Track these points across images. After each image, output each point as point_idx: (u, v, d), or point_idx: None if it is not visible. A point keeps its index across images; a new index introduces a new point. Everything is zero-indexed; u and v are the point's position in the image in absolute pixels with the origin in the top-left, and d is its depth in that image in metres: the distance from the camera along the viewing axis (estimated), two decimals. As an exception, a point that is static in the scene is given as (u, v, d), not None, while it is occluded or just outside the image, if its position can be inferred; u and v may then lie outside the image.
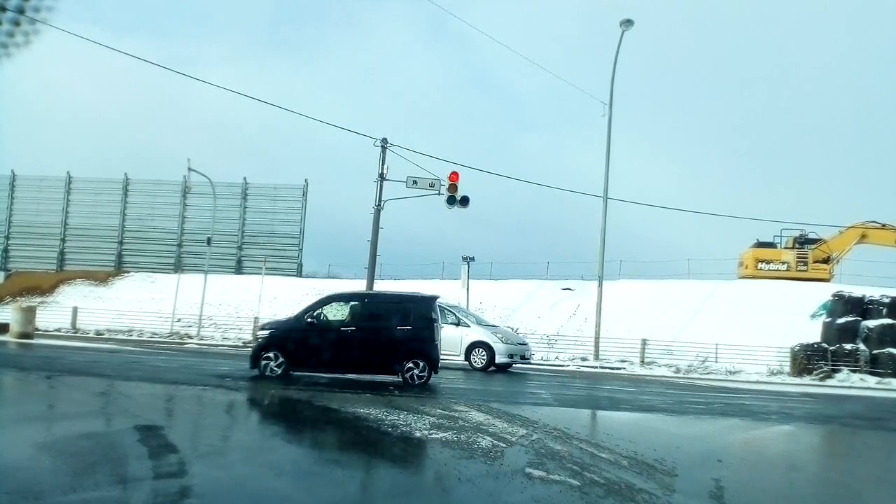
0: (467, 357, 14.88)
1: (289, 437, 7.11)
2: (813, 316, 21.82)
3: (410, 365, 10.72)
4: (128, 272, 31.43)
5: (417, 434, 6.56)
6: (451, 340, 14.49)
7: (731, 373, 17.93)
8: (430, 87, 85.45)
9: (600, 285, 21.02)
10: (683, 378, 17.31)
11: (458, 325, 14.90)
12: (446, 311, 14.93)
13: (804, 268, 27.97)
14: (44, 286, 29.56)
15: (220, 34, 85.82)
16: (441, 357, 13.79)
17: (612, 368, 18.82)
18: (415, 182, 21.46)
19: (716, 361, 18.93)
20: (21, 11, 2.43)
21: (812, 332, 19.63)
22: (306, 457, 5.89)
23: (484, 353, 14.73)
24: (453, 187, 20.83)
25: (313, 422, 7.85)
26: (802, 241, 28.69)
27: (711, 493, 4.90)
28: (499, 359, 14.74)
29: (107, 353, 15.90)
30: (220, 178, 26.58)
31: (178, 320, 22.69)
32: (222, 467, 5.10)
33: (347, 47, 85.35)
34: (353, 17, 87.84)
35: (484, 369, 14.62)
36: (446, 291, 26.34)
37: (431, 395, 10.15)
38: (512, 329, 16.53)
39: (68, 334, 21.99)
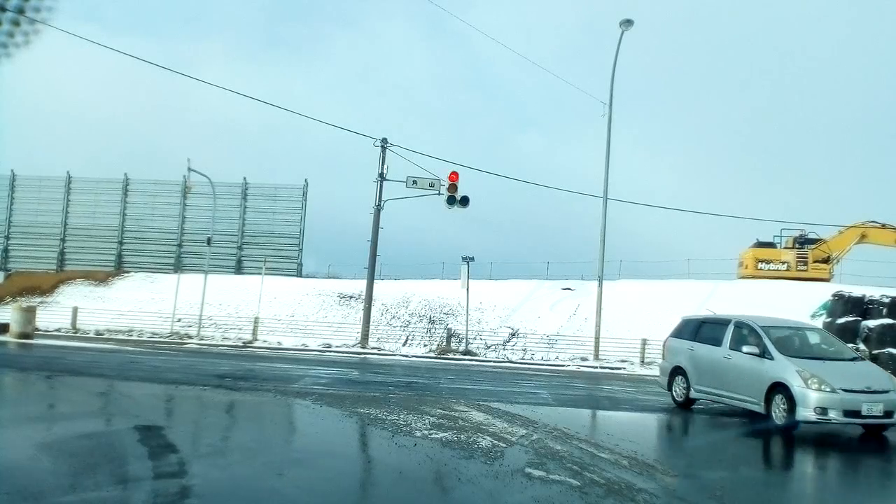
0: (767, 405, 9.05)
1: (288, 437, 7.11)
2: (813, 316, 21.81)
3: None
4: (128, 272, 31.42)
5: (418, 433, 6.56)
6: (749, 379, 9.47)
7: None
8: (429, 86, 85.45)
9: (600, 285, 21.02)
10: (683, 378, 17.29)
11: (761, 355, 9.37)
12: (746, 334, 9.97)
13: (804, 268, 27.95)
14: (44, 286, 29.54)
15: (218, 33, 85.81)
16: (726, 401, 9.93)
17: (612, 368, 18.82)
18: (415, 182, 21.48)
19: (716, 361, 18.91)
20: (21, 11, 2.42)
21: (812, 332, 19.59)
22: (306, 453, 5.88)
23: (784, 402, 8.81)
24: (453, 187, 20.85)
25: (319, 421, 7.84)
26: (802, 241, 28.68)
27: (712, 492, 4.91)
28: (802, 413, 8.48)
29: (107, 353, 15.89)
30: (220, 178, 26.60)
31: (178, 320, 22.68)
32: (222, 467, 5.09)
33: (346, 46, 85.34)
34: (351, 15, 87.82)
35: (787, 428, 8.69)
36: (446, 291, 26.38)
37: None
38: (844, 360, 9.73)
39: (68, 334, 21.98)
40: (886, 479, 7.08)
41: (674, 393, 11.06)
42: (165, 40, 77.25)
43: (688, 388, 10.66)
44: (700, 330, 11.15)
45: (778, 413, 8.83)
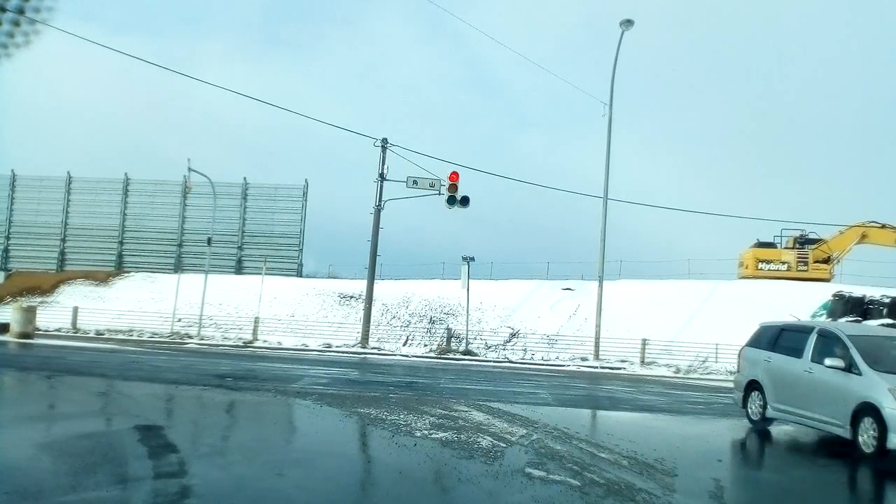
0: (854, 430, 7.58)
1: (288, 437, 7.12)
2: (813, 316, 21.81)
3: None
4: (128, 272, 31.42)
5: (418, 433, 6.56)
6: (832, 397, 8.07)
7: (731, 373, 17.88)
8: (428, 86, 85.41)
9: (600, 285, 21.02)
10: (683, 378, 17.32)
11: (847, 369, 7.96)
12: (830, 344, 8.52)
13: (804, 268, 27.98)
14: (44, 286, 29.54)
15: (217, 33, 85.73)
16: (807, 422, 8.40)
17: (612, 368, 18.82)
18: (415, 182, 21.48)
19: (716, 361, 18.92)
20: (21, 11, 2.43)
21: (812, 333, 19.62)
22: (306, 453, 5.89)
23: (874, 426, 7.32)
24: (453, 187, 20.85)
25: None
26: (803, 241, 28.71)
27: (711, 493, 4.91)
28: (894, 440, 7.05)
29: (107, 353, 15.89)
30: (220, 178, 26.60)
31: (179, 320, 22.68)
32: (222, 467, 5.09)
33: (345, 46, 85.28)
34: (350, 15, 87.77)
35: (875, 457, 7.16)
36: (446, 291, 26.38)
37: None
38: None
39: (68, 334, 21.98)
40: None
41: (749, 411, 9.58)
42: (164, 40, 77.22)
43: (764, 406, 9.21)
44: (779, 338, 9.71)
45: (866, 439, 7.36)
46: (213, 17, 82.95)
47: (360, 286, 24.89)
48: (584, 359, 19.82)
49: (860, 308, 19.12)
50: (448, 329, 22.46)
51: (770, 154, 68.30)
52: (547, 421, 7.71)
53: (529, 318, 24.02)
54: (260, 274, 24.00)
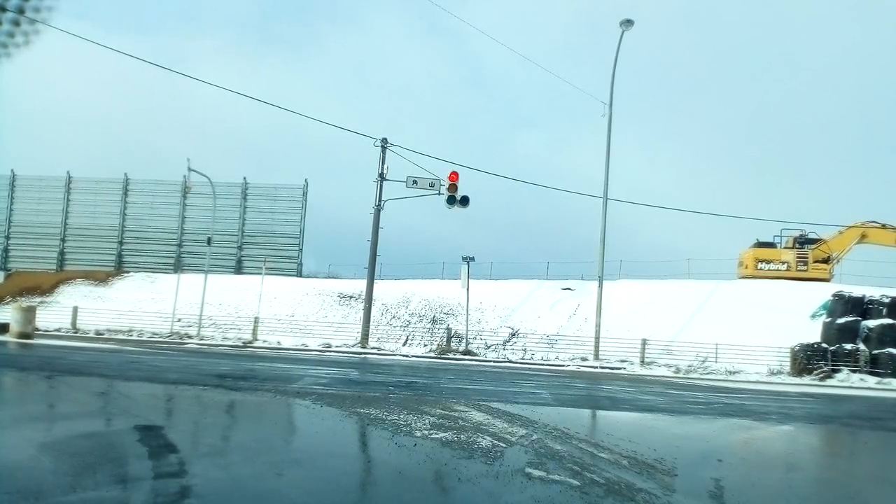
0: None
1: (288, 437, 7.11)
2: (813, 316, 21.83)
3: None
4: (128, 272, 31.44)
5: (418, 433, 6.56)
6: None
7: (730, 373, 17.94)
8: (428, 85, 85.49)
9: (600, 285, 21.03)
10: (683, 378, 17.32)
11: None
12: None
13: (804, 268, 28.00)
14: (44, 286, 29.56)
15: (213, 31, 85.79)
16: None
17: (612, 368, 18.82)
18: (415, 182, 21.52)
19: (716, 361, 18.94)
20: (21, 11, 2.43)
21: (812, 332, 19.64)
22: (306, 453, 5.88)
23: None
24: (453, 187, 20.88)
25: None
26: (802, 241, 28.74)
27: (711, 493, 4.91)
28: None
29: (107, 353, 15.88)
30: (220, 178, 26.64)
31: (179, 320, 22.68)
32: (222, 467, 5.09)
33: (344, 44, 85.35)
34: (349, 14, 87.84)
35: None
36: (446, 291, 26.37)
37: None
38: None
39: (68, 334, 21.98)
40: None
41: None
42: (161, 39, 77.28)
43: None
44: None
45: None
46: (210, 16, 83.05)
47: (360, 286, 24.90)
48: (584, 359, 19.83)
49: (860, 308, 19.14)
50: (448, 329, 22.47)
51: (770, 154, 68.36)
52: (547, 421, 7.70)
53: (529, 318, 24.03)
54: (260, 274, 24.00)
